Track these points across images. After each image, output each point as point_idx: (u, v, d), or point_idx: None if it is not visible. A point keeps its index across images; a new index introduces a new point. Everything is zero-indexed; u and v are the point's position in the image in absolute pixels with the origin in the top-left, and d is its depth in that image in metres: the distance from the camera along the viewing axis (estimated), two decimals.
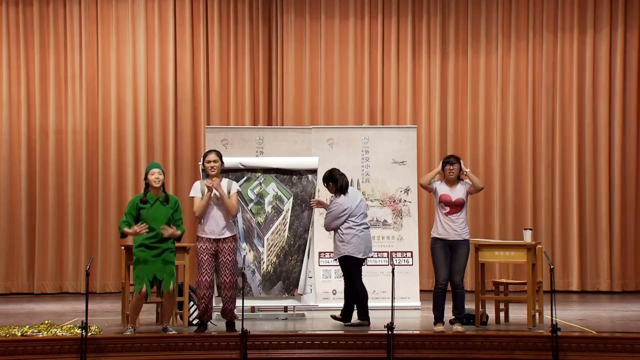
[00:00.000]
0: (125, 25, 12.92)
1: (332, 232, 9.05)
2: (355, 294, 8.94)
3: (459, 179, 8.43)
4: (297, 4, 13.10)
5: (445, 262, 8.33)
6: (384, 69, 13.03)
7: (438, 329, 8.18)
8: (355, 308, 8.95)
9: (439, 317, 8.30)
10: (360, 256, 8.90)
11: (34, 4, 12.85)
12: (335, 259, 9.05)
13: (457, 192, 8.35)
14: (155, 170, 8.09)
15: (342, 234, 8.90)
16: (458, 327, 8.15)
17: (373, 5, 13.08)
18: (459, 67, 13.08)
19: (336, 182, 9.02)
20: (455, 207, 8.30)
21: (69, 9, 12.88)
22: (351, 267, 8.94)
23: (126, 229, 7.98)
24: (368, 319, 8.84)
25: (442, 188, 8.42)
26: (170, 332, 7.94)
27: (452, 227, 8.30)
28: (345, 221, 8.91)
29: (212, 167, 8.22)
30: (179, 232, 8.10)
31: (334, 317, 9.02)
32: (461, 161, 8.41)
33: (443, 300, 8.35)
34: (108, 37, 12.91)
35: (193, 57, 12.98)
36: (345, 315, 9.00)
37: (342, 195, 9.00)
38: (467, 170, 8.38)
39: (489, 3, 13.08)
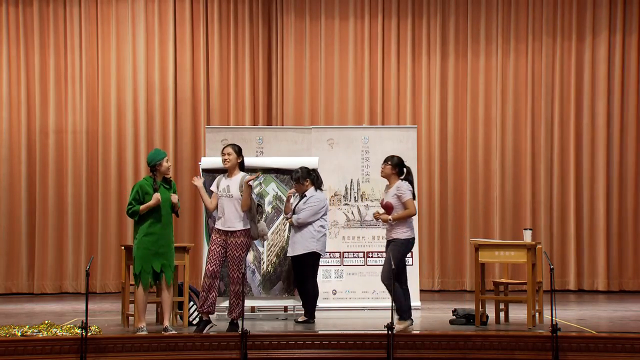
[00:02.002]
0: (125, 26, 12.92)
1: (300, 227, 9.05)
2: (308, 291, 9.03)
3: (408, 179, 8.33)
4: (297, 4, 13.11)
5: (385, 261, 8.36)
6: (384, 69, 13.03)
7: (398, 327, 8.08)
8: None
9: (400, 315, 8.28)
10: (322, 255, 9.11)
11: (34, 4, 12.85)
12: (294, 254, 9.06)
13: (387, 196, 8.33)
14: (167, 158, 8.17)
15: (316, 231, 9.01)
16: (399, 326, 8.10)
17: (373, 6, 13.08)
18: (459, 68, 13.09)
19: (313, 177, 9.14)
20: (385, 209, 8.27)
21: (69, 9, 12.89)
22: (314, 265, 9.07)
23: (144, 205, 7.99)
24: (314, 318, 8.99)
25: (384, 190, 8.50)
26: (170, 332, 7.94)
27: (387, 228, 8.36)
28: (320, 218, 9.02)
29: (224, 159, 8.26)
30: (178, 206, 8.21)
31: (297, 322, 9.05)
32: (383, 214, 8.22)
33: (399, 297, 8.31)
34: (108, 38, 12.92)
35: (193, 57, 12.99)
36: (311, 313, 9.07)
37: (320, 191, 9.08)
38: (390, 219, 8.20)
39: (489, 5, 13.08)
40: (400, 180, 8.31)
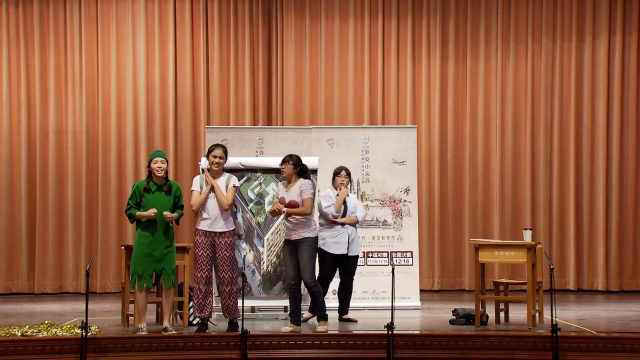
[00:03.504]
0: (125, 26, 12.92)
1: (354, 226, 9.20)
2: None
3: (307, 177, 8.33)
4: (297, 4, 13.11)
5: (291, 262, 8.35)
6: (384, 69, 13.03)
7: (285, 329, 8.12)
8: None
9: (291, 317, 8.31)
10: None
11: (34, 5, 12.86)
12: (355, 254, 9.19)
13: (291, 194, 8.29)
14: (158, 159, 8.12)
15: None
16: (320, 327, 8.14)
17: (373, 6, 13.08)
18: (459, 68, 13.09)
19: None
20: (290, 208, 8.25)
21: (69, 9, 12.89)
22: None
23: (139, 213, 8.00)
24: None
25: (281, 191, 8.46)
26: (170, 332, 7.94)
27: (291, 228, 8.30)
28: None
29: (216, 162, 8.23)
30: (176, 215, 8.15)
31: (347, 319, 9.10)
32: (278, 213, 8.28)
33: (294, 300, 8.34)
34: (108, 38, 12.92)
35: (193, 57, 12.99)
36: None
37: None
38: (284, 210, 8.21)
39: (489, 7, 13.08)
40: (302, 179, 8.34)
